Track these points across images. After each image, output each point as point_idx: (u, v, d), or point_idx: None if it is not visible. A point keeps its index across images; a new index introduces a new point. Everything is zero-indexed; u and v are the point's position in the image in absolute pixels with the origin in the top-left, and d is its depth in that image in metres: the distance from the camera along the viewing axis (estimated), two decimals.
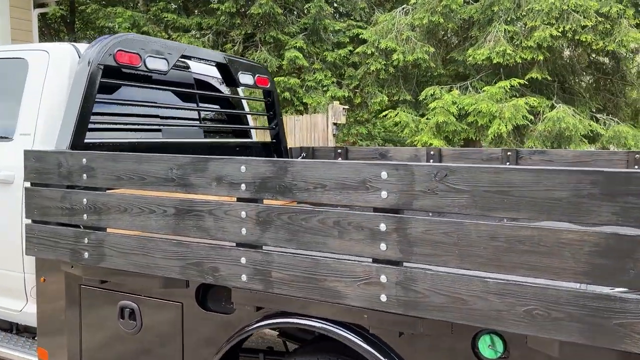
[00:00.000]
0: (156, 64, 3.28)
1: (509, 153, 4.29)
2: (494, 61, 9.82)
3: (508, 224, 1.60)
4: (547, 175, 1.52)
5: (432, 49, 10.64)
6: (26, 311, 3.05)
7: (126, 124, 3.45)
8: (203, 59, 4.01)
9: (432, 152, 4.47)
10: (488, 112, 9.40)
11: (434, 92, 10.23)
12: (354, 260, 1.82)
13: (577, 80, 11.99)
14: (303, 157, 4.79)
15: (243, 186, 2.00)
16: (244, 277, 2.02)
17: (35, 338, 3.21)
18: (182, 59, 3.63)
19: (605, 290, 1.51)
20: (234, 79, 4.04)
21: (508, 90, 9.75)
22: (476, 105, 9.59)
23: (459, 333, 1.77)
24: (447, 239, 1.66)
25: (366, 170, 1.78)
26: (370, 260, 1.80)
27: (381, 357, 1.85)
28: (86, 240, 2.39)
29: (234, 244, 2.06)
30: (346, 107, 10.88)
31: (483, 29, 10.54)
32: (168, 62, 3.36)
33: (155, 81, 3.58)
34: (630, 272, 1.44)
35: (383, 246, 1.76)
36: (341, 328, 1.92)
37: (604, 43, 9.77)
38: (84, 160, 2.38)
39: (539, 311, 1.54)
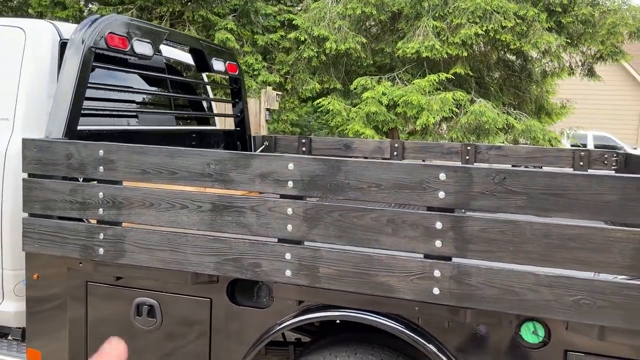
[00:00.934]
0: (142, 48, 3.14)
1: (468, 147, 4.58)
2: (423, 55, 10.25)
3: (556, 222, 1.77)
4: (598, 180, 1.71)
5: (364, 40, 10.87)
6: (1, 310, 2.83)
7: (109, 110, 3.28)
8: (180, 44, 3.88)
9: (395, 145, 4.66)
10: (417, 104, 9.84)
11: (365, 83, 10.49)
12: (409, 256, 1.92)
13: (490, 76, 12.84)
14: (265, 147, 4.78)
15: (290, 183, 2.02)
16: (288, 273, 2.04)
17: (10, 337, 2.99)
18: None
19: None
20: (207, 65, 3.95)
21: (435, 83, 10.25)
22: (406, 97, 9.99)
23: (503, 321, 1.93)
24: (503, 237, 1.81)
25: (424, 172, 1.88)
26: (423, 256, 1.91)
27: (429, 345, 1.97)
28: (102, 236, 2.27)
29: (276, 240, 2.07)
30: (280, 92, 10.86)
31: (411, 22, 10.94)
32: (153, 46, 3.23)
33: (131, 65, 3.42)
34: None
35: (438, 243, 1.87)
36: (388, 320, 2.01)
37: (520, 44, 10.56)
38: (101, 152, 2.25)
39: (586, 301, 1.74)
